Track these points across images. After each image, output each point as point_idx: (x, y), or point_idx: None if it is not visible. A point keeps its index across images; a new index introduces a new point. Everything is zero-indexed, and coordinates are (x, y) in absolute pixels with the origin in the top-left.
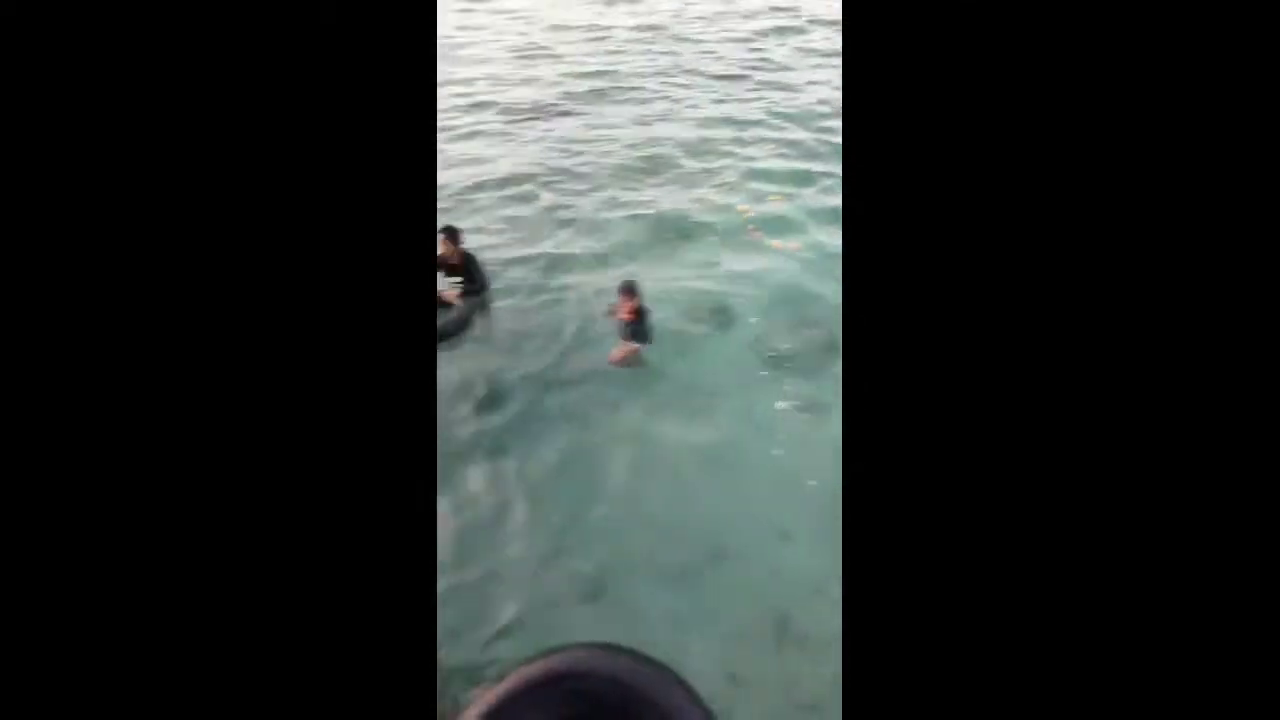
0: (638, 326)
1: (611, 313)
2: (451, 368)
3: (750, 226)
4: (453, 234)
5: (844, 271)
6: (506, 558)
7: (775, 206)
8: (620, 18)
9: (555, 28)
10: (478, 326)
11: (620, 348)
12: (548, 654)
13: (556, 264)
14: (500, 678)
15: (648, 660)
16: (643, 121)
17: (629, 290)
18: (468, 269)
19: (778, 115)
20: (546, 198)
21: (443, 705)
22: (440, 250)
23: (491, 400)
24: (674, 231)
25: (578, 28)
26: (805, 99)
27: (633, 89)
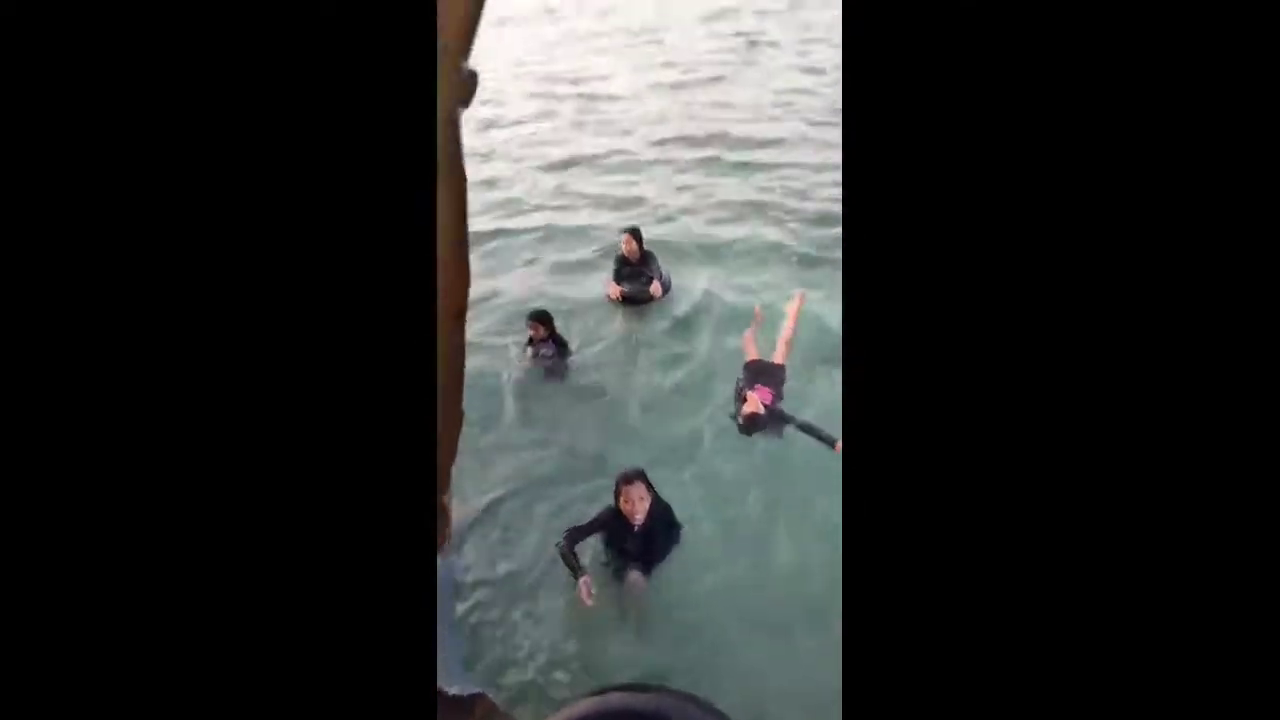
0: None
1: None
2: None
3: None
4: (636, 234)
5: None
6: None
7: None
8: None
9: None
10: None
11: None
12: (610, 690)
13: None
14: (561, 704)
15: (718, 715)
16: None
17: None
18: (646, 262)
19: None
20: None
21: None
22: (624, 249)
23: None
24: None
25: None
26: None
27: None
